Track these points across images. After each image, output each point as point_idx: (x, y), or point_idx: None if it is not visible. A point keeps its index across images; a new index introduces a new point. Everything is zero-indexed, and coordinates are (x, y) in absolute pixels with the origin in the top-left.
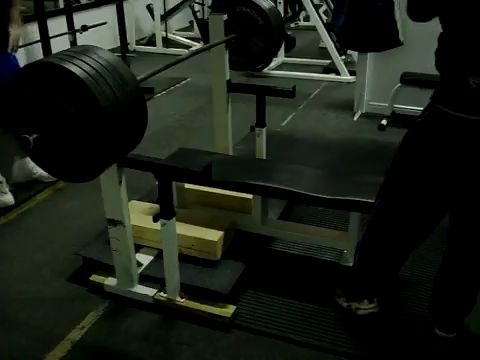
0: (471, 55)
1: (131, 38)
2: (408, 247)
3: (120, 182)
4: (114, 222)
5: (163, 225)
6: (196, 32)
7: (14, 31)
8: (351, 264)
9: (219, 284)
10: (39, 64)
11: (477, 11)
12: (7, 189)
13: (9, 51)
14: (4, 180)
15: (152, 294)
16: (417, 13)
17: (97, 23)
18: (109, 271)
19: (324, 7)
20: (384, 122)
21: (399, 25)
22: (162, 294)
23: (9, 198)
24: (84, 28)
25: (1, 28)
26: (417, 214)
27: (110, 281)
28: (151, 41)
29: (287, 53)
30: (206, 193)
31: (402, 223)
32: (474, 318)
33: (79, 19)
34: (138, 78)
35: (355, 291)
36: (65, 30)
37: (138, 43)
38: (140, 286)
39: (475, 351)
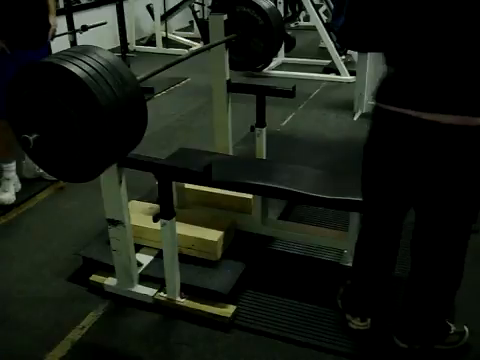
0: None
1: (131, 38)
2: (381, 251)
3: (120, 182)
4: (114, 222)
5: (163, 225)
6: (196, 32)
7: (53, 21)
8: (350, 264)
9: (219, 284)
10: (39, 64)
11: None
12: (12, 188)
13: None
14: (12, 179)
15: (152, 294)
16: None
17: (97, 23)
18: (109, 271)
19: (324, 7)
20: None
21: None
22: (162, 294)
23: (8, 196)
24: (84, 28)
25: (43, 20)
26: (377, 211)
27: (110, 281)
28: (151, 41)
29: (287, 53)
30: (206, 193)
31: (369, 223)
32: (474, 318)
33: (79, 19)
34: (138, 78)
35: (350, 305)
36: (65, 30)
37: (138, 43)
38: (140, 286)
39: (476, 351)
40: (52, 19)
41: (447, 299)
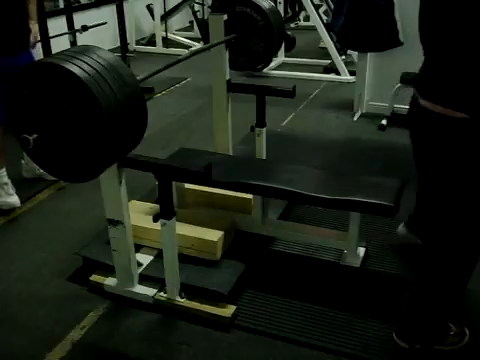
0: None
1: (131, 38)
2: None
3: (120, 182)
4: (114, 222)
5: (163, 225)
6: (196, 32)
7: (33, 27)
8: (350, 264)
9: (219, 284)
10: (39, 64)
11: None
12: (13, 191)
13: (31, 48)
14: (10, 182)
15: (152, 294)
16: None
17: (97, 23)
18: (109, 271)
19: (324, 7)
20: (384, 122)
21: (399, 25)
22: (162, 294)
23: (15, 199)
24: (84, 28)
25: (23, 25)
26: None
27: (110, 281)
28: (151, 41)
29: (287, 53)
30: (206, 193)
31: None
32: (476, 318)
33: (79, 19)
34: (138, 78)
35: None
36: (65, 30)
37: (138, 43)
38: (140, 286)
39: (476, 352)
40: (32, 25)
41: (451, 302)
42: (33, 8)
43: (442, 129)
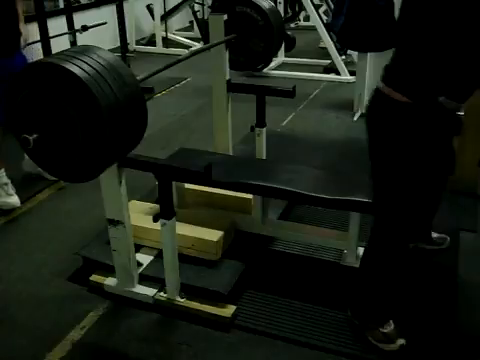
0: None
1: (131, 38)
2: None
3: (120, 182)
4: (114, 222)
5: (163, 225)
6: (196, 32)
7: (23, 29)
8: (350, 264)
9: (219, 284)
10: (39, 64)
11: None
12: (13, 191)
13: (22, 49)
14: (10, 182)
15: (152, 294)
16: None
17: (97, 23)
18: (109, 271)
19: (324, 7)
20: None
21: None
22: (162, 294)
23: (15, 200)
24: (84, 28)
25: (13, 27)
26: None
27: (110, 281)
28: (151, 41)
29: (287, 53)
30: (206, 193)
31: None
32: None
33: (79, 19)
34: (138, 78)
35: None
36: (65, 30)
37: (138, 43)
38: (140, 286)
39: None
40: (22, 27)
41: (374, 291)
42: (19, 10)
43: (388, 110)
